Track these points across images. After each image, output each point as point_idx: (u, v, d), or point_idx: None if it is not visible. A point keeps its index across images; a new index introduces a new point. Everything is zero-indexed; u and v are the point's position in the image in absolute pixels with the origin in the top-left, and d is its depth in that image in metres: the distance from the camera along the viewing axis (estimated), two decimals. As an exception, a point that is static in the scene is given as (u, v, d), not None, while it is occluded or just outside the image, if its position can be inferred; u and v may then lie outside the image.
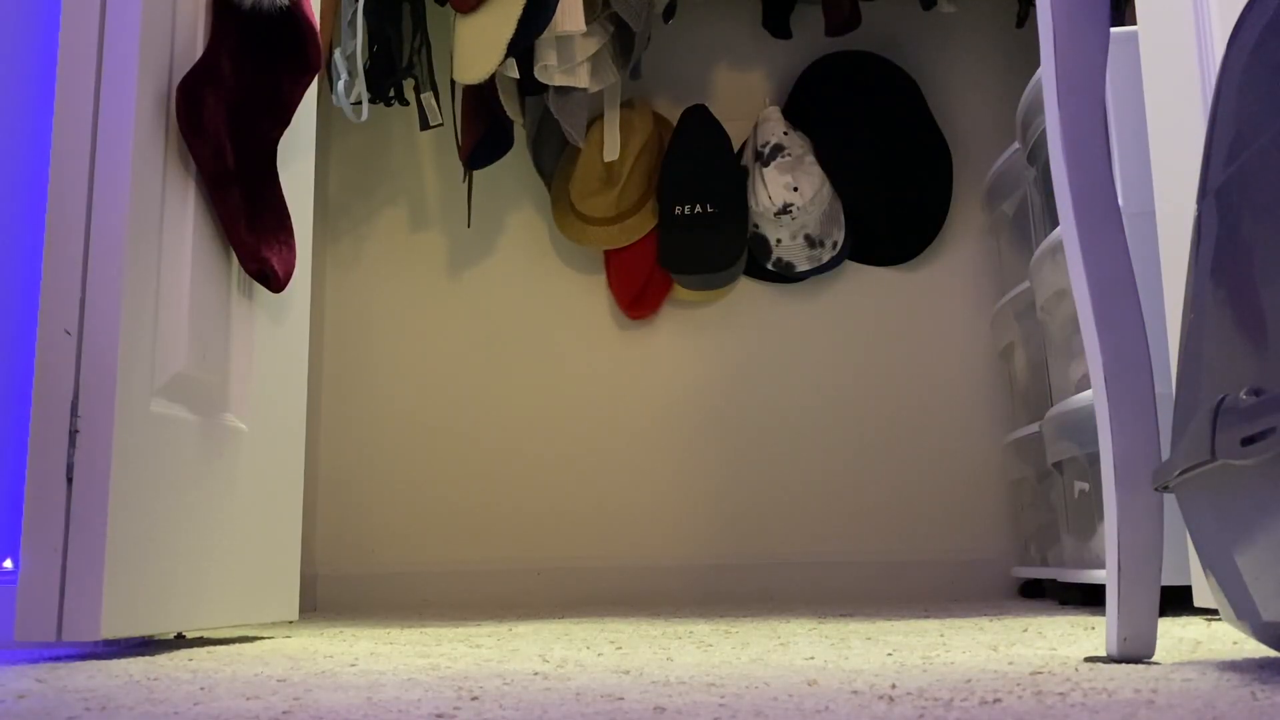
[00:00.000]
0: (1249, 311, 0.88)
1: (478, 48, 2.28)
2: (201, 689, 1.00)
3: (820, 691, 0.89)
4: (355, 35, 2.34)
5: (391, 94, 2.54)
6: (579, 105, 2.61)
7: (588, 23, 2.33)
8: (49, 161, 1.41)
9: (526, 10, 2.23)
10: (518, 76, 2.38)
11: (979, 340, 2.56)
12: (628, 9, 2.49)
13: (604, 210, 2.60)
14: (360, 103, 2.36)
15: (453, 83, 2.52)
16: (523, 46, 2.31)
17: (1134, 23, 1.57)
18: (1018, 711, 0.76)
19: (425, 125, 2.51)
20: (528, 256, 2.75)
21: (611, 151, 2.57)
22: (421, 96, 2.50)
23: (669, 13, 2.60)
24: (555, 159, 2.72)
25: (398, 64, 2.50)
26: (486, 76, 2.30)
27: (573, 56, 2.40)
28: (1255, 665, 0.97)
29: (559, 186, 2.70)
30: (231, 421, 1.64)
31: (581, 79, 2.43)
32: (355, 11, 2.34)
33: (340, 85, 2.33)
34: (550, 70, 2.39)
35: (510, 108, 2.51)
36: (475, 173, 2.63)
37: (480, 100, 2.50)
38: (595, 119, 2.62)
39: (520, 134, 2.66)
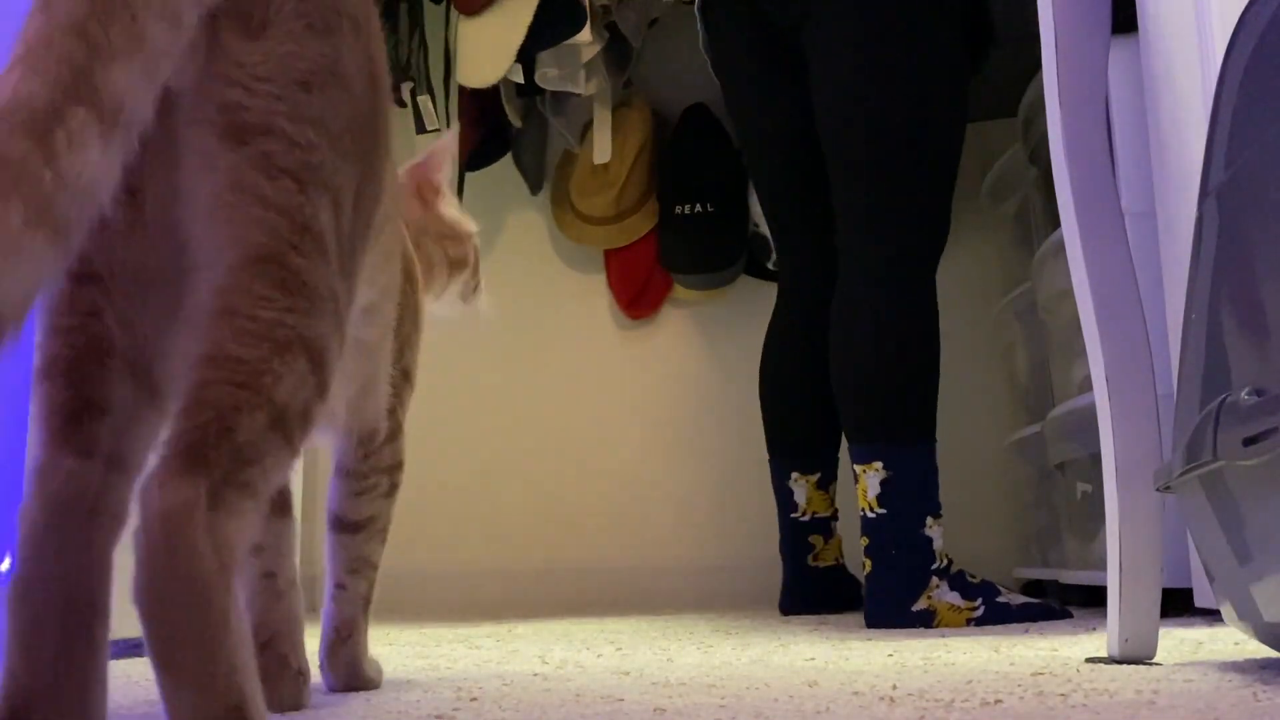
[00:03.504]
0: (1251, 311, 0.87)
1: (485, 52, 2.27)
2: (200, 690, 1.00)
3: (821, 693, 0.89)
4: (351, 35, 2.33)
5: (389, 96, 2.54)
6: (574, 109, 2.62)
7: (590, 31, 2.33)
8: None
9: (540, 17, 2.23)
10: (523, 81, 2.39)
11: (979, 340, 2.55)
12: (628, 26, 2.50)
13: (604, 210, 2.60)
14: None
15: (447, 85, 2.52)
16: (534, 54, 2.31)
17: (1135, 25, 1.56)
18: (1019, 712, 0.75)
19: (422, 129, 2.50)
20: (528, 256, 2.75)
21: (602, 155, 2.57)
22: (419, 99, 2.49)
23: (653, 20, 2.62)
24: (536, 158, 2.72)
25: (395, 65, 2.50)
26: (494, 81, 2.29)
27: (574, 63, 2.41)
28: (1257, 666, 0.96)
29: (559, 186, 2.70)
30: (231, 422, 1.63)
31: (580, 85, 2.44)
32: (352, 12, 2.33)
33: (338, 85, 2.32)
34: (551, 77, 2.40)
35: (512, 112, 2.51)
36: (471, 174, 2.63)
37: (479, 104, 2.50)
38: (591, 119, 2.63)
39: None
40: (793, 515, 1.94)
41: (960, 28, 1.78)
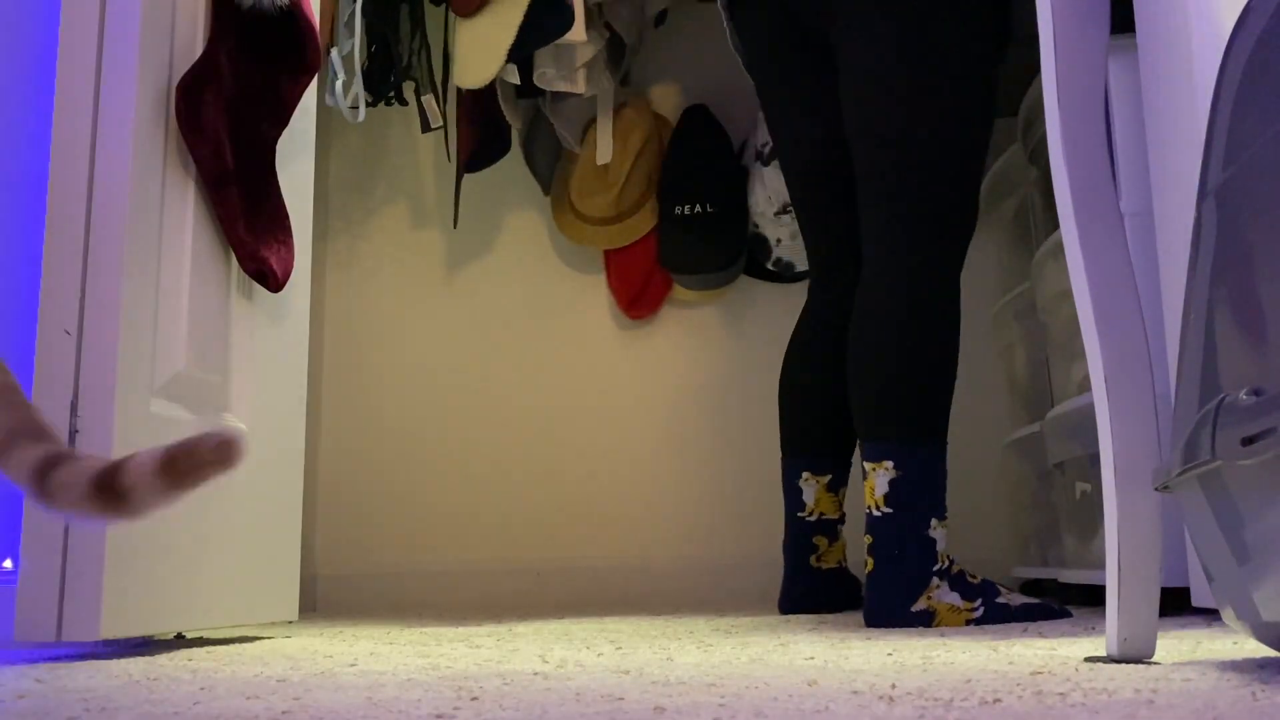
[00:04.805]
0: (1249, 311, 0.88)
1: (478, 53, 2.27)
2: (201, 689, 1.00)
3: (820, 692, 0.89)
4: (353, 35, 2.33)
5: (391, 95, 2.54)
6: (574, 110, 2.62)
7: (585, 30, 2.33)
8: (49, 161, 1.41)
9: (529, 18, 2.23)
10: (519, 82, 2.39)
11: (979, 340, 2.55)
12: (621, 22, 2.50)
13: (604, 210, 2.60)
14: (357, 106, 2.36)
15: (446, 85, 2.53)
16: (525, 54, 2.31)
17: (1133, 25, 1.57)
18: (1018, 711, 0.76)
19: (426, 128, 2.51)
20: (527, 256, 2.75)
21: (604, 155, 2.57)
22: (422, 99, 2.50)
23: (660, 19, 2.62)
24: (549, 159, 2.72)
25: (397, 65, 2.50)
26: (486, 82, 2.30)
27: (571, 64, 2.41)
28: (1255, 665, 0.97)
29: (559, 186, 2.70)
30: (231, 421, 1.64)
31: (579, 85, 2.44)
32: (353, 12, 2.33)
33: (338, 85, 2.33)
34: (548, 77, 2.40)
35: (510, 112, 2.52)
36: (473, 173, 2.63)
37: (478, 104, 2.50)
38: (593, 119, 2.62)
39: (513, 135, 2.66)
40: (799, 514, 1.93)
41: (989, 23, 1.77)
